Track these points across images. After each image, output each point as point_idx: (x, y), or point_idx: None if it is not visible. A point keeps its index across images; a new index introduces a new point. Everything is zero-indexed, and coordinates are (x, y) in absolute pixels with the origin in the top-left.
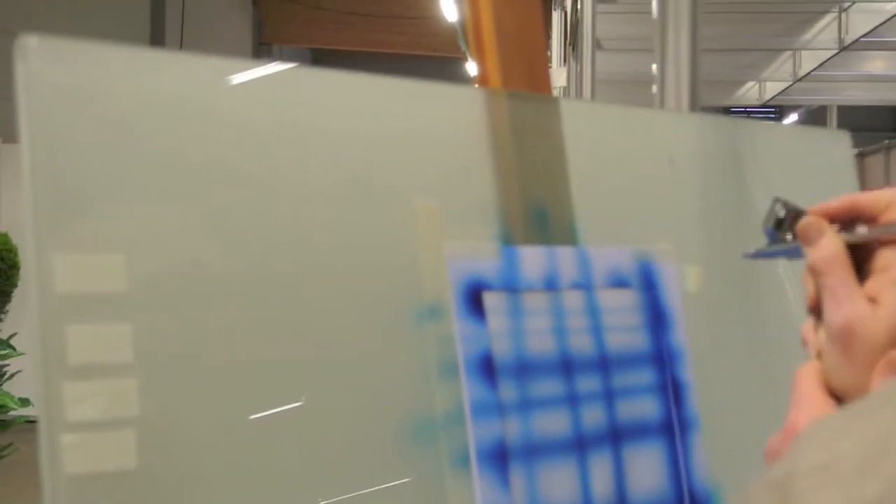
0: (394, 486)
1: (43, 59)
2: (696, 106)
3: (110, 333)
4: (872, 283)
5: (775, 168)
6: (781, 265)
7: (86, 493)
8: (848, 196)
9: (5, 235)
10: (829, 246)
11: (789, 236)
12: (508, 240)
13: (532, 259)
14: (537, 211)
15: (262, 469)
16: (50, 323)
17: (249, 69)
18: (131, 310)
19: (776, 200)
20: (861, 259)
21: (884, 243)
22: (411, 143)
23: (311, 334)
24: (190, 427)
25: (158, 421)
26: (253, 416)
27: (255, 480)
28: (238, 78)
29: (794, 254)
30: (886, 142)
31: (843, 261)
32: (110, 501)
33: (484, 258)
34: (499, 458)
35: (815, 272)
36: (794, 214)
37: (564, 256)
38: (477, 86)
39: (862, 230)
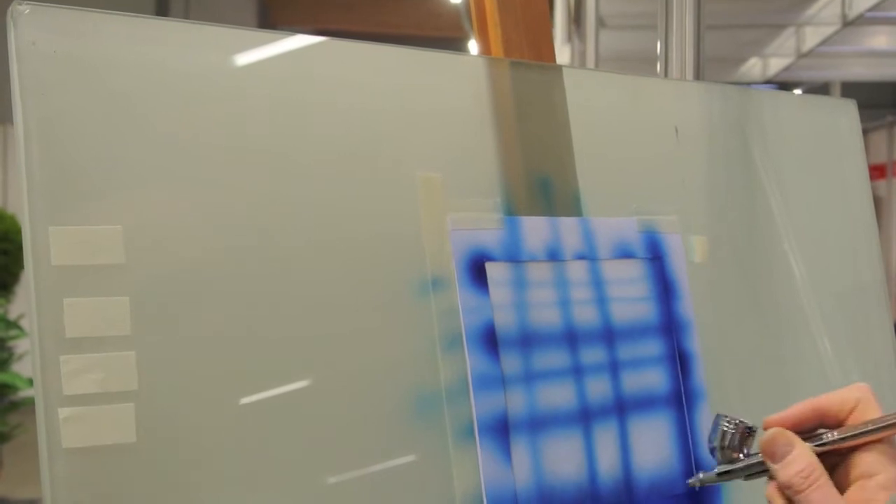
0: (398, 460)
1: (35, 28)
2: (700, 80)
3: (108, 306)
4: (858, 492)
5: (782, 137)
6: (786, 240)
7: (84, 467)
8: (807, 402)
9: (12, 217)
10: (803, 458)
11: (741, 454)
12: (511, 210)
13: (535, 230)
14: (541, 181)
15: (264, 445)
16: (46, 296)
17: (252, 40)
18: (129, 282)
19: (720, 417)
20: (829, 467)
21: (858, 447)
22: (412, 112)
23: (313, 308)
24: (190, 401)
25: (157, 395)
26: (255, 391)
27: (257, 456)
28: (241, 49)
29: (754, 472)
30: (890, 118)
31: (821, 472)
32: (109, 476)
33: (487, 229)
34: (502, 431)
35: (791, 489)
36: (745, 430)
37: (568, 227)
38: (479, 55)
39: (831, 436)
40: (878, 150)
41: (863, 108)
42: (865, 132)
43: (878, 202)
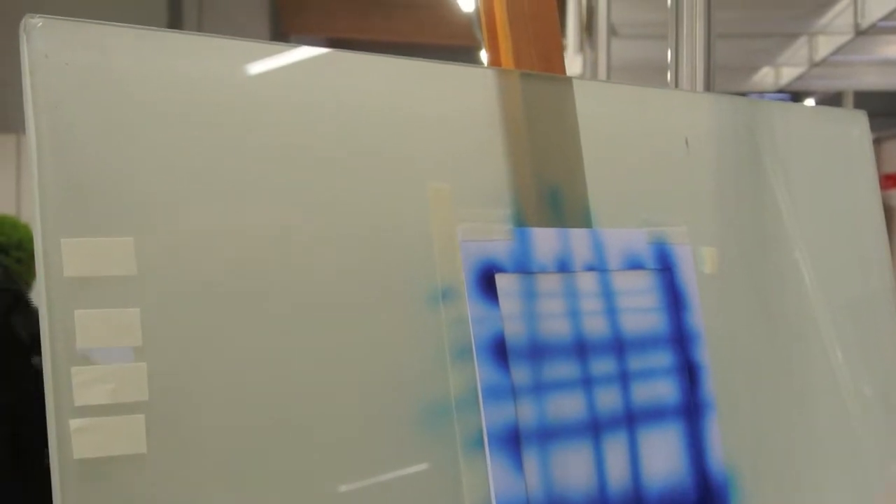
0: (408, 470)
1: (48, 40)
2: (710, 90)
3: (119, 317)
4: None
5: (792, 148)
6: (798, 249)
7: (95, 478)
8: None
9: (26, 226)
10: None
11: None
12: (521, 221)
13: (545, 241)
14: (551, 192)
15: (274, 455)
16: (58, 307)
17: (263, 52)
18: (140, 293)
19: None
20: None
21: None
22: (425, 124)
23: (324, 318)
24: (201, 412)
25: (168, 406)
26: (265, 401)
27: (267, 467)
28: (252, 62)
29: None
30: None
31: None
32: (120, 487)
33: (497, 240)
34: (512, 441)
35: None
36: None
37: (578, 238)
38: (490, 66)
39: None
40: (893, 159)
41: (876, 116)
42: (879, 141)
43: (891, 211)
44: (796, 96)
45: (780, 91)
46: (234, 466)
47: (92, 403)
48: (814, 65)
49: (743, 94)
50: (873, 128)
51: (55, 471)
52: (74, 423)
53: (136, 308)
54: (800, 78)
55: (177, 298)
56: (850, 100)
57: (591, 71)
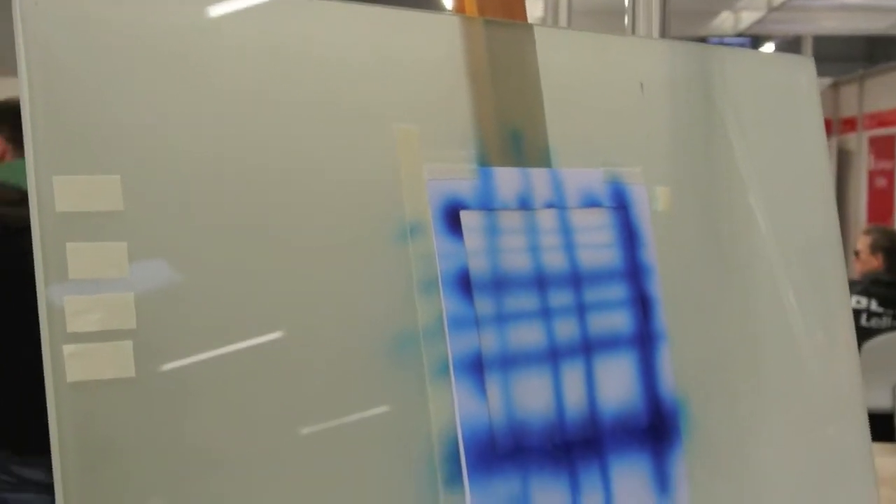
0: (377, 397)
1: None
2: (666, 35)
3: (108, 250)
4: None
5: (743, 93)
6: (751, 192)
7: (87, 400)
8: None
9: None
10: None
11: None
12: (485, 162)
13: (507, 180)
14: (513, 134)
15: (249, 382)
16: (50, 241)
17: None
18: (127, 228)
19: None
20: None
21: None
22: (391, 69)
23: (298, 253)
24: (184, 339)
25: (154, 333)
26: (241, 331)
27: (241, 392)
28: (228, 7)
29: None
30: (861, 71)
31: None
32: (111, 407)
33: (461, 179)
34: (476, 369)
35: None
36: None
37: (538, 177)
38: (454, 14)
39: None
40: (850, 103)
41: (834, 61)
42: (837, 85)
43: (848, 155)
44: (755, 40)
45: (740, 35)
46: (212, 391)
47: (83, 331)
48: (772, 9)
49: (702, 39)
50: (832, 72)
51: (50, 393)
52: (67, 349)
53: (124, 242)
54: (759, 22)
55: (161, 232)
56: (808, 44)
57: (552, 13)
